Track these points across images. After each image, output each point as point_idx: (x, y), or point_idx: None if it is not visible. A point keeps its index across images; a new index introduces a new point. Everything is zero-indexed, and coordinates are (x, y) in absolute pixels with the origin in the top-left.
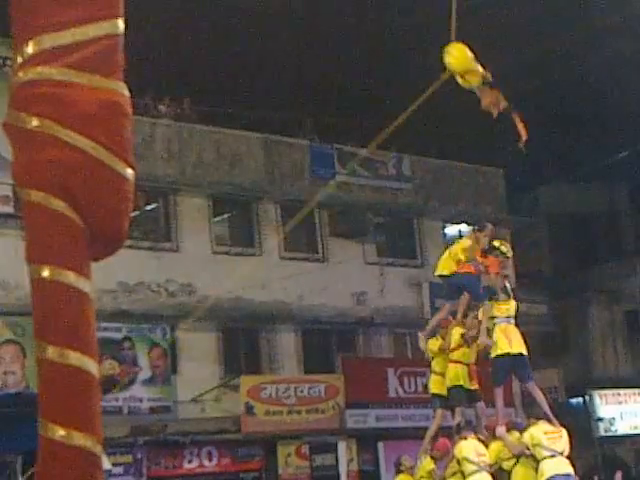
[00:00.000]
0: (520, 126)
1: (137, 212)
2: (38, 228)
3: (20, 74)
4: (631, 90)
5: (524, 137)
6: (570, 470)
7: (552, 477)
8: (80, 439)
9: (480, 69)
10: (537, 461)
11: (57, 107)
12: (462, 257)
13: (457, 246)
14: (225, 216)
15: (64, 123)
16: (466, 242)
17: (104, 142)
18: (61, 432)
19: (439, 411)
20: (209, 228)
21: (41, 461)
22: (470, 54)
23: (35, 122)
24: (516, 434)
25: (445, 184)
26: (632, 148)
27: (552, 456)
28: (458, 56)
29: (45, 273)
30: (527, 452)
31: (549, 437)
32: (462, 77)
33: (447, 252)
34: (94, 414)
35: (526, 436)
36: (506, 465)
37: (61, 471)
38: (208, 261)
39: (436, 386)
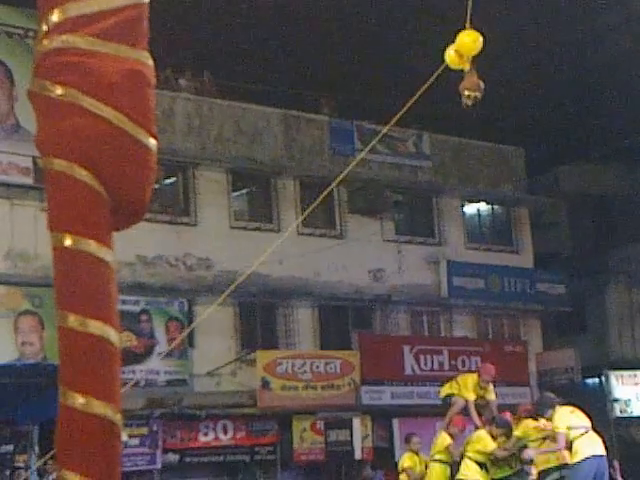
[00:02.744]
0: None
1: (156, 185)
2: (61, 197)
3: (45, 42)
4: None
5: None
6: (604, 451)
7: (588, 458)
8: (99, 407)
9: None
10: (571, 442)
11: (82, 76)
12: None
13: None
14: (244, 191)
15: (88, 92)
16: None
17: (128, 112)
18: (81, 400)
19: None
20: (228, 203)
21: (60, 429)
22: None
23: (59, 90)
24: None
25: (464, 163)
26: None
27: (585, 432)
28: (472, 40)
29: (67, 242)
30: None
31: (574, 416)
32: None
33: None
34: (114, 383)
35: (557, 423)
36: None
37: (80, 439)
38: (226, 236)
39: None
